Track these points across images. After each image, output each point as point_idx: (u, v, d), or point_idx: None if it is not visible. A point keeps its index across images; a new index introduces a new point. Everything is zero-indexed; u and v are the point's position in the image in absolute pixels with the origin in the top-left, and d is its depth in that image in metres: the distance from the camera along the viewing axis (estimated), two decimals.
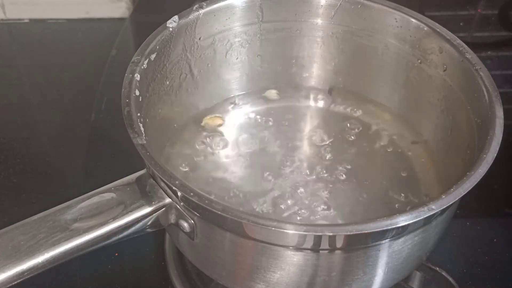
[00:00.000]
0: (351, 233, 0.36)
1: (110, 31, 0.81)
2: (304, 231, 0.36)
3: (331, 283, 0.41)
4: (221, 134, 0.55)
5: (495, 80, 0.46)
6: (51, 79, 0.75)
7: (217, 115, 0.55)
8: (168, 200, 0.41)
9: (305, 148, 0.54)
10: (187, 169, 0.51)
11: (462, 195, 0.38)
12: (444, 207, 0.37)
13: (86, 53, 0.78)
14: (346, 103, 0.58)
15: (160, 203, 0.41)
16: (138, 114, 0.43)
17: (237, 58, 0.56)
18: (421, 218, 0.37)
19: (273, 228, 0.36)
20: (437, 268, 0.51)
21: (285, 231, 0.36)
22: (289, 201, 0.49)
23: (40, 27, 0.83)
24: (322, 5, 0.55)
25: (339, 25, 0.55)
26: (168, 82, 0.51)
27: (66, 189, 0.60)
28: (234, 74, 0.57)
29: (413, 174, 0.52)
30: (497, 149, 0.41)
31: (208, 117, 0.55)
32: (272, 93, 0.58)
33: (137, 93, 0.44)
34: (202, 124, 0.55)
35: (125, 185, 0.42)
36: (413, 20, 0.52)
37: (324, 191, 0.50)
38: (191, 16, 0.51)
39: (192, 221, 0.40)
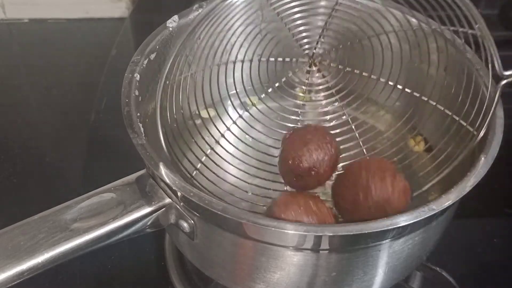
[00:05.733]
0: (351, 233, 0.36)
1: (110, 31, 0.81)
2: (304, 232, 0.36)
3: (331, 283, 0.41)
4: (221, 133, 0.55)
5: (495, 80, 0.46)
6: (51, 79, 0.75)
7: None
8: (168, 200, 0.41)
9: None
10: (186, 168, 0.51)
11: (462, 195, 0.38)
12: (444, 207, 0.37)
13: (86, 53, 0.78)
14: (346, 103, 0.58)
15: (160, 203, 0.41)
16: (138, 114, 0.43)
17: (237, 58, 0.56)
18: (421, 218, 0.37)
19: (273, 229, 0.36)
20: (437, 268, 0.51)
21: (285, 231, 0.36)
22: None
23: (40, 27, 0.83)
24: (322, 5, 0.55)
25: (339, 25, 0.55)
26: (168, 82, 0.51)
27: (66, 189, 0.60)
28: (234, 74, 0.57)
29: (413, 174, 0.52)
30: (497, 149, 0.41)
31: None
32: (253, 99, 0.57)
33: (137, 93, 0.44)
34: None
35: (125, 185, 0.42)
36: (413, 20, 0.52)
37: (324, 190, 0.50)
38: (191, 16, 0.51)
39: (192, 221, 0.40)
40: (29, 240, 0.38)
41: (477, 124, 0.45)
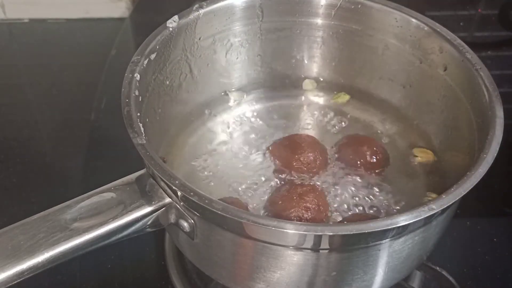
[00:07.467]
0: (351, 232, 0.36)
1: (110, 31, 0.81)
2: (304, 231, 0.36)
3: (331, 283, 0.41)
4: (221, 133, 0.55)
5: (495, 80, 0.46)
6: (51, 79, 0.75)
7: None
8: (168, 199, 0.41)
9: None
10: (187, 168, 0.51)
11: (462, 195, 0.38)
12: (444, 206, 0.37)
13: (86, 53, 0.79)
14: (346, 103, 0.58)
15: (160, 203, 0.40)
16: (138, 114, 0.43)
17: (237, 58, 0.56)
18: (421, 217, 0.37)
19: (273, 228, 0.36)
20: (437, 268, 0.51)
21: (285, 230, 0.36)
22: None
23: (40, 27, 0.83)
24: (322, 5, 0.55)
25: (339, 25, 0.55)
26: (168, 82, 0.51)
27: (66, 189, 0.60)
28: (234, 74, 0.57)
29: (413, 174, 0.52)
30: (497, 149, 0.41)
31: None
32: (310, 83, 0.59)
33: (137, 93, 0.44)
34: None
35: (125, 184, 0.42)
36: (413, 20, 0.52)
37: (324, 188, 0.50)
38: (191, 16, 0.51)
39: (192, 221, 0.40)
40: (29, 239, 0.38)
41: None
